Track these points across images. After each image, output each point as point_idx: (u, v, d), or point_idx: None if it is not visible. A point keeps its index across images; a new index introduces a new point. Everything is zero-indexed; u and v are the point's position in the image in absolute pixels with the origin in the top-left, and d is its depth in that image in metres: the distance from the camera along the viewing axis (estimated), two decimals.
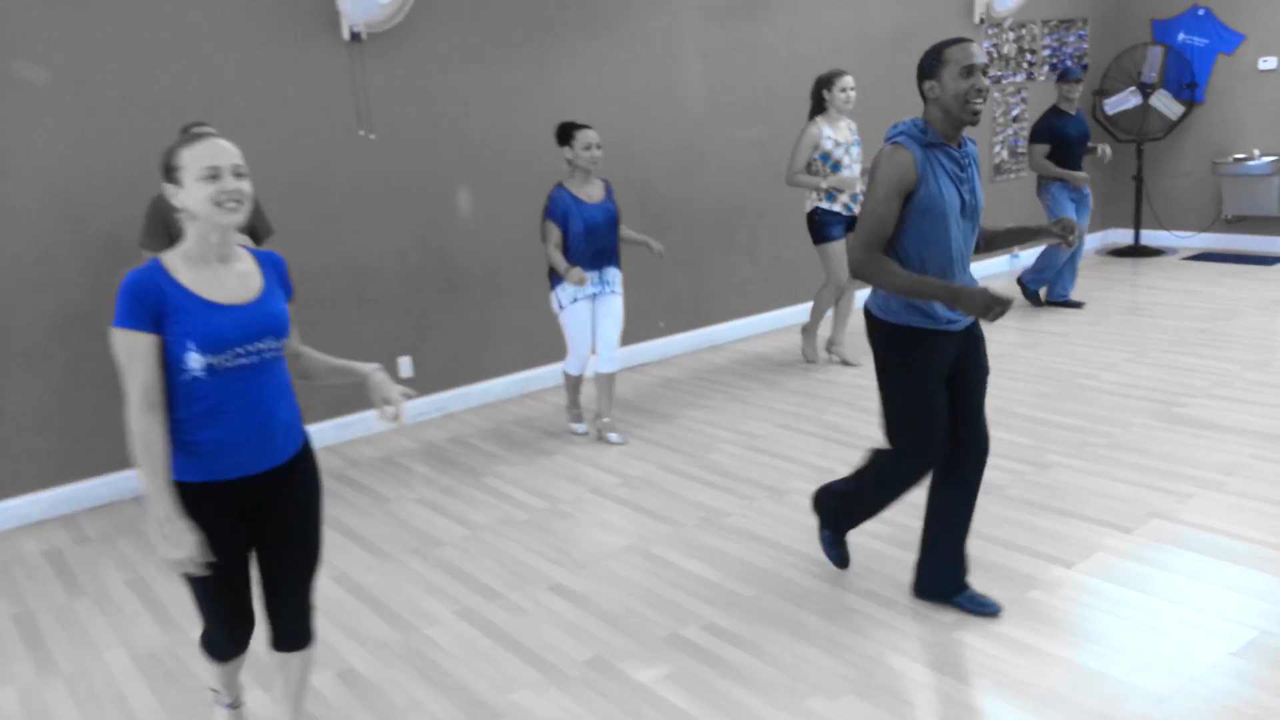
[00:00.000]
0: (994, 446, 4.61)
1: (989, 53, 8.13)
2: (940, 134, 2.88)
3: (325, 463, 5.12)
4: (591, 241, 4.77)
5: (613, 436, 5.06)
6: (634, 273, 6.45)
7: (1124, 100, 8.75)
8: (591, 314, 4.91)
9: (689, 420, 5.36)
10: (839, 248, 5.85)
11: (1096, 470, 4.25)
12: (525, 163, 5.85)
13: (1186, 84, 8.73)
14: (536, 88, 5.86)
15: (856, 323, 7.16)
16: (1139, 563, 3.44)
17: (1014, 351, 6.15)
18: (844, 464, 4.55)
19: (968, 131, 8.39)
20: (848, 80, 5.73)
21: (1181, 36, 8.77)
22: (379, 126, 5.34)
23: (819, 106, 5.82)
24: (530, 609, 3.45)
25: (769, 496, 4.26)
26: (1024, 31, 8.36)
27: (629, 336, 6.50)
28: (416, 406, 5.70)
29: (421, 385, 5.71)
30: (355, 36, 5.15)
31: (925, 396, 2.98)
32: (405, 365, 5.62)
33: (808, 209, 5.90)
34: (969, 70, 2.80)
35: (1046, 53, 8.61)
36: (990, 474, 4.30)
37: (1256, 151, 8.42)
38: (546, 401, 5.89)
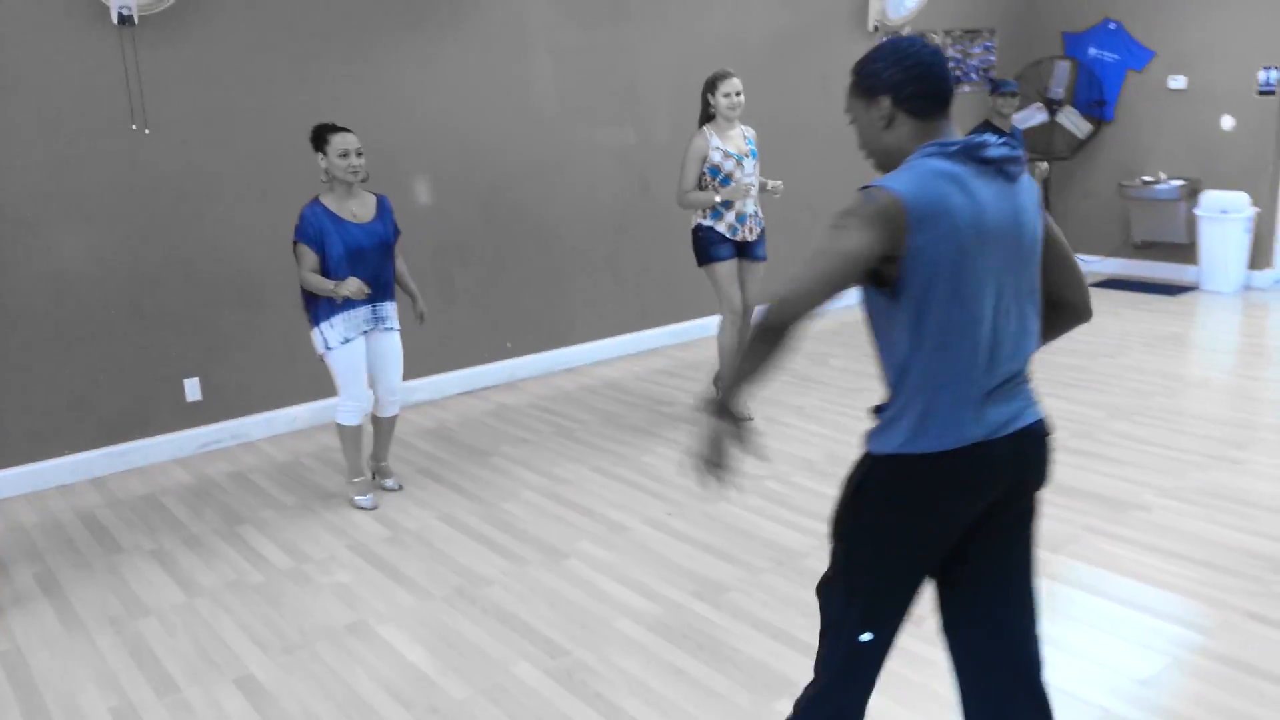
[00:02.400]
0: (804, 502, 4.13)
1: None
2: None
3: (83, 499, 4.54)
4: (358, 269, 4.02)
5: (388, 482, 4.47)
6: (480, 284, 5.91)
7: (1029, 116, 8.33)
8: (366, 354, 4.20)
9: (500, 459, 4.83)
10: (727, 269, 5.05)
11: None
12: None
13: (1095, 101, 8.32)
14: (353, 81, 5.29)
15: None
16: (879, 692, 2.96)
17: (865, 386, 5.68)
18: (640, 518, 4.04)
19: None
20: (731, 84, 4.92)
21: (1092, 51, 8.36)
22: (157, 121, 4.76)
23: (707, 113, 5.05)
24: (199, 710, 2.90)
25: (544, 562, 3.74)
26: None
27: (471, 356, 5.96)
28: (208, 433, 5.12)
29: (213, 411, 5.13)
30: (125, 19, 4.56)
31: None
32: (192, 388, 5.04)
33: (691, 225, 5.13)
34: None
35: (949, 65, 8.15)
36: (792, 537, 3.81)
37: (1163, 174, 8.02)
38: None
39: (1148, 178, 8.07)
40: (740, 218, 5.07)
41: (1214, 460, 4.41)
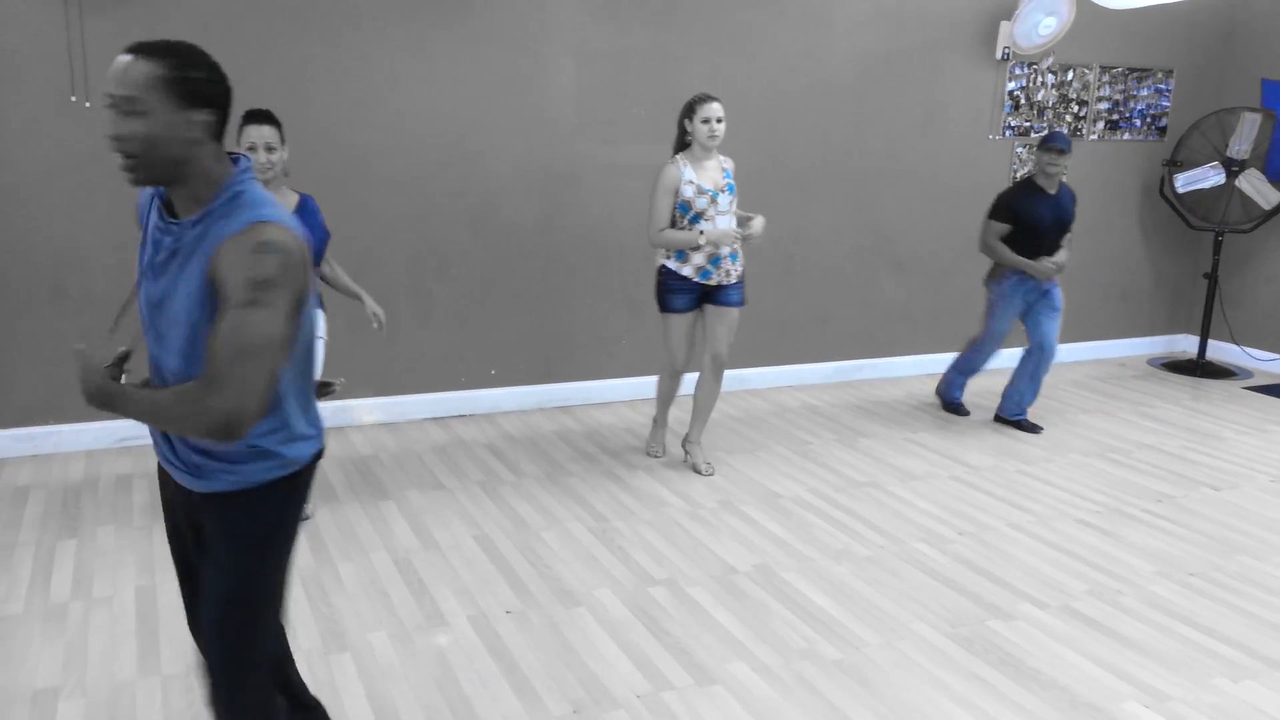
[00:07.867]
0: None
1: (1014, 96, 6.50)
2: None
3: None
4: None
5: None
6: (459, 303, 5.35)
7: (1201, 177, 6.88)
8: None
9: (402, 503, 4.23)
10: (681, 324, 4.54)
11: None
12: (316, 155, 4.82)
13: None
14: (332, 67, 4.84)
15: (724, 417, 5.79)
16: None
17: (879, 481, 4.66)
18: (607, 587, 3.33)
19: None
20: (711, 109, 4.34)
21: None
22: (101, 94, 4.49)
23: (682, 141, 4.46)
24: None
25: (332, 649, 3.11)
26: (1070, 76, 6.67)
27: (443, 382, 5.42)
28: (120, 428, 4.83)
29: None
30: None
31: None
32: None
33: (656, 264, 4.56)
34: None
35: (1103, 106, 6.86)
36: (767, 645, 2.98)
37: None
38: None
39: None
40: (714, 259, 4.43)
41: (1269, 666, 3.19)
